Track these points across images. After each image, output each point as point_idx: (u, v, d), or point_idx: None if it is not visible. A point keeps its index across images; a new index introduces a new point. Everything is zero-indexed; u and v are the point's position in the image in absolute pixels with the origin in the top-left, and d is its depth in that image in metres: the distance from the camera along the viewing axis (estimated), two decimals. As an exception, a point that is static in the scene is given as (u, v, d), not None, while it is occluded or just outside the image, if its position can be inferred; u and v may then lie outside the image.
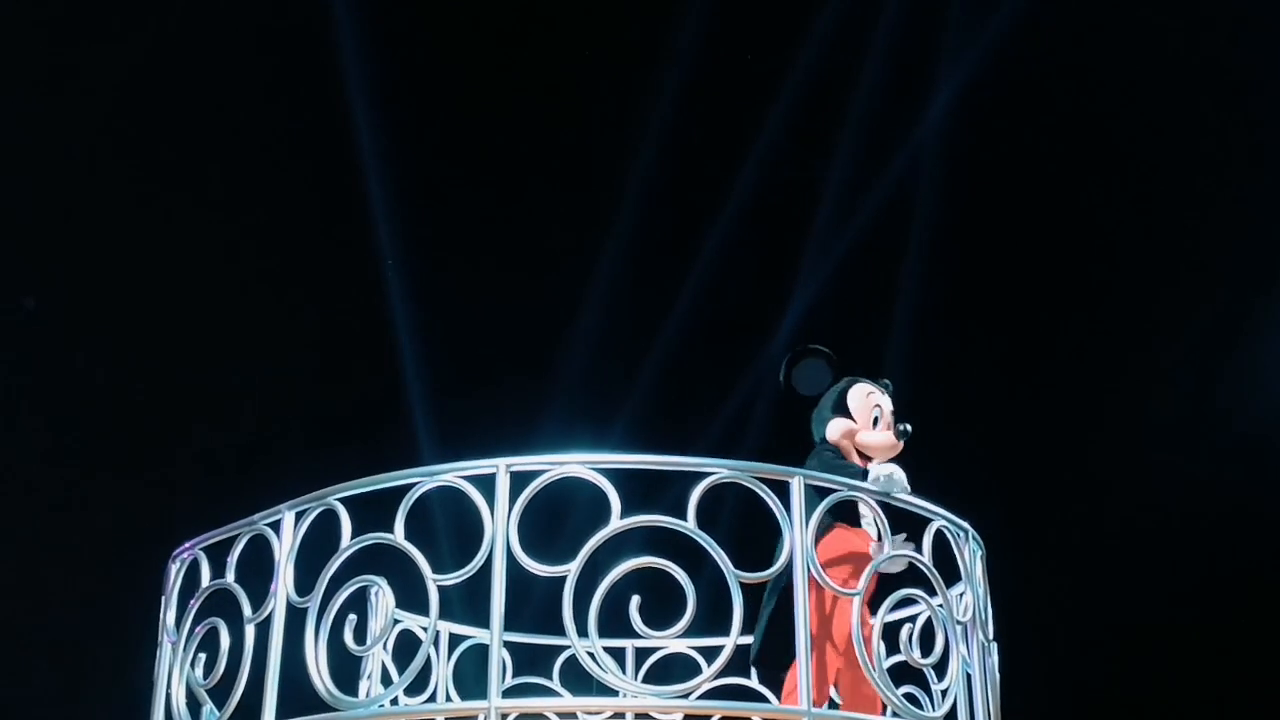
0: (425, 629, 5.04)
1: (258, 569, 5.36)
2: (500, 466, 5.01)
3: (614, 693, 5.09)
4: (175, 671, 5.50)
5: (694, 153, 11.13)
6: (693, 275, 11.20)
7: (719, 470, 5.08)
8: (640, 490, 5.19)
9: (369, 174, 10.61)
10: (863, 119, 11.09)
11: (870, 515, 5.57)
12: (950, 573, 5.59)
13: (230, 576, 5.43)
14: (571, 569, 4.84)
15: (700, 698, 5.30)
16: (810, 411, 6.31)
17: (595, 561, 4.89)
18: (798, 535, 5.02)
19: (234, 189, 10.47)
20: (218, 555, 5.54)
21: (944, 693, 5.64)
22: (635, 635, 5.14)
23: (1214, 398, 10.61)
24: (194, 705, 5.43)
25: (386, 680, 6.34)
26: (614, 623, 5.05)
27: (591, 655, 4.83)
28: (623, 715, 5.70)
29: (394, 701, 5.44)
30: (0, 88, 9.87)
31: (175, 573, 5.72)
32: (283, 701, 5.06)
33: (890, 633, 5.53)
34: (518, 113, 11.09)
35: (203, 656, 5.43)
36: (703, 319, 11.19)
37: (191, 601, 5.54)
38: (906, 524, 5.73)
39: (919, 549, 5.39)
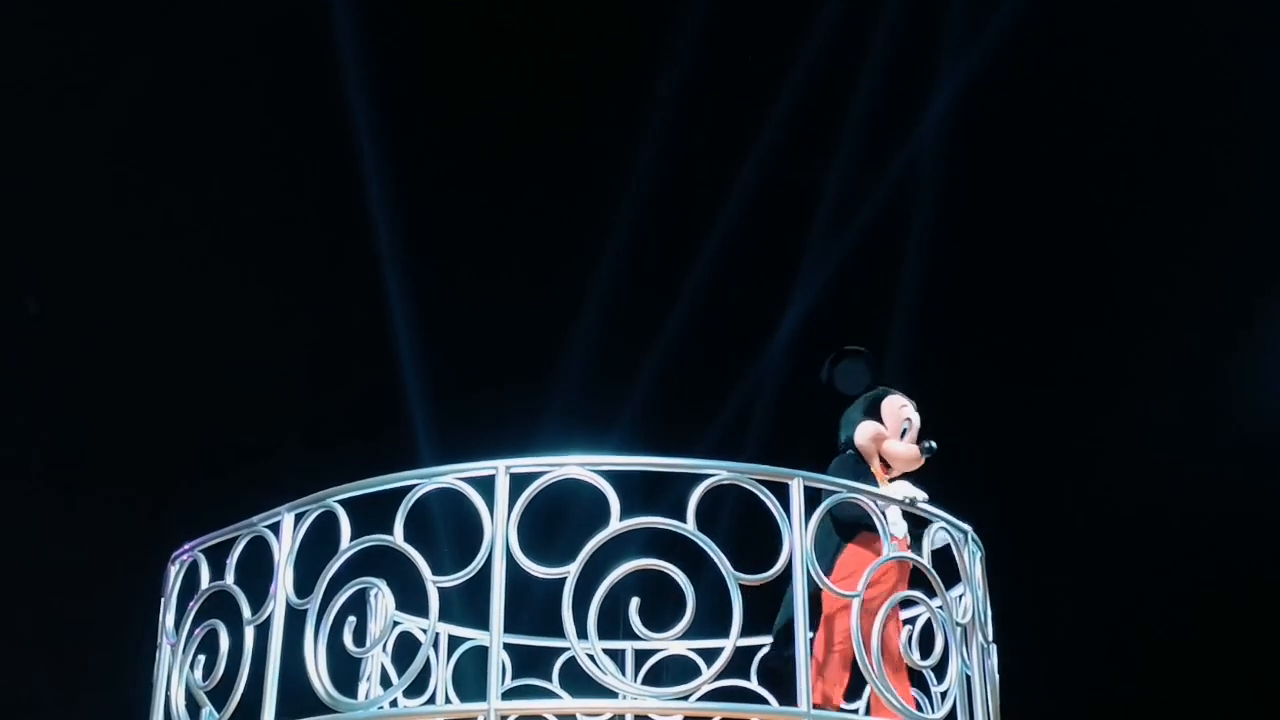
0: (425, 631, 5.04)
1: (257, 571, 5.36)
2: (500, 468, 5.01)
3: (613, 694, 5.09)
4: (174, 673, 5.49)
5: (692, 154, 11.13)
6: (692, 277, 11.20)
7: (719, 472, 5.08)
8: (640, 492, 5.19)
9: (369, 176, 10.61)
10: (862, 120, 11.08)
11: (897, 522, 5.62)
12: (950, 575, 5.59)
13: (230, 578, 5.42)
14: (571, 571, 4.84)
15: (700, 699, 5.30)
16: (838, 412, 6.33)
17: (595, 563, 4.89)
18: (797, 537, 5.01)
19: (234, 191, 10.47)
20: (217, 557, 5.54)
21: (943, 694, 5.63)
22: (635, 636, 5.14)
23: (1215, 398, 10.61)
24: (193, 707, 5.43)
25: (386, 682, 6.33)
26: (613, 624, 5.05)
27: (591, 657, 4.82)
28: (622, 717, 5.69)
29: (393, 703, 5.44)
30: (4, 89, 9.88)
31: (174, 574, 5.71)
32: (282, 703, 5.06)
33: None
34: (517, 115, 11.08)
35: (202, 658, 5.43)
36: (702, 320, 11.19)
37: (191, 603, 5.54)
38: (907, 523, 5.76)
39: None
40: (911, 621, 5.82)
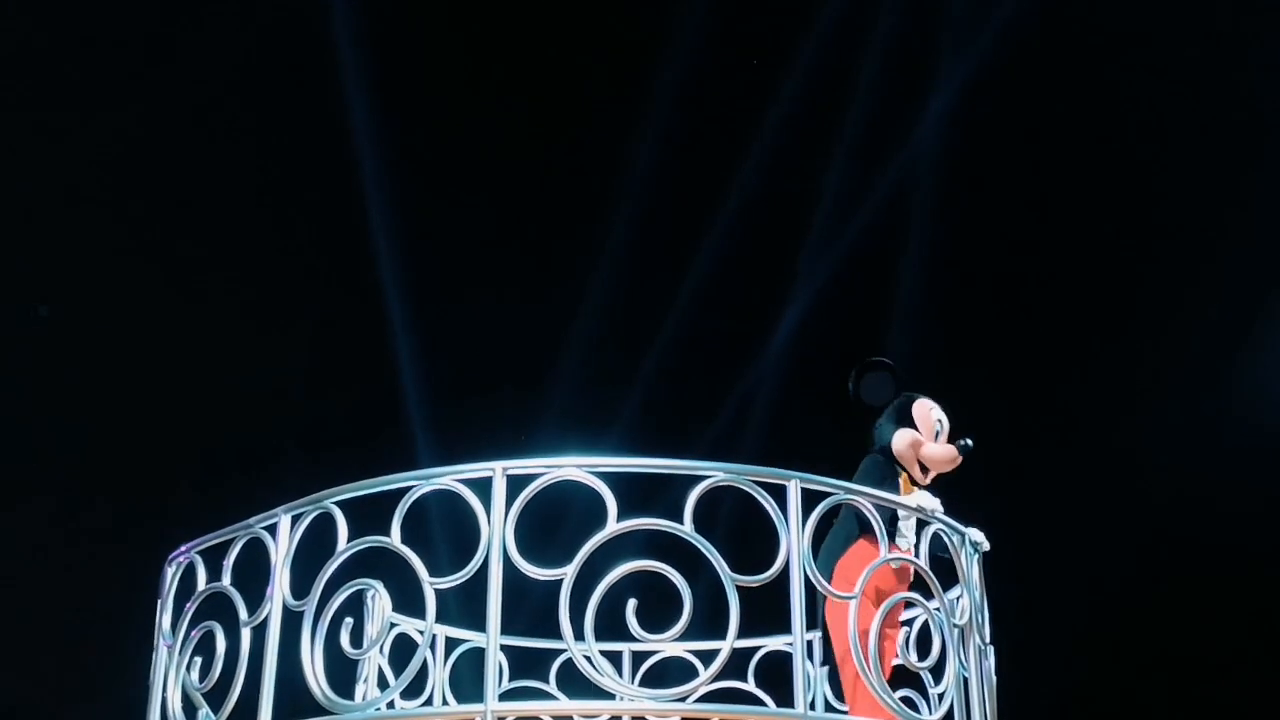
0: (422, 632, 5.04)
1: (254, 572, 5.35)
2: (497, 470, 5.01)
3: (610, 696, 5.08)
4: (171, 675, 5.49)
5: (689, 157, 11.13)
6: (689, 279, 11.20)
7: (716, 473, 5.08)
8: (637, 494, 5.19)
9: (367, 180, 10.61)
10: (860, 122, 11.09)
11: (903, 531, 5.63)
12: (947, 576, 5.60)
13: (226, 580, 5.42)
14: (568, 572, 4.84)
15: (697, 701, 5.30)
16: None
17: (592, 565, 4.89)
18: (794, 538, 5.01)
19: (233, 195, 10.46)
20: (214, 559, 5.53)
21: (940, 696, 5.63)
22: (632, 638, 5.14)
23: (1216, 400, 10.60)
24: (190, 709, 5.42)
25: (383, 684, 6.33)
26: (611, 626, 5.05)
27: (588, 659, 4.82)
28: (619, 718, 5.69)
29: (390, 705, 5.43)
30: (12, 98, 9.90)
31: (171, 576, 5.71)
32: (279, 705, 5.05)
33: (887, 635, 5.53)
34: (515, 120, 11.09)
35: (199, 660, 5.42)
36: (699, 322, 11.20)
37: (188, 605, 5.53)
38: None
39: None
40: (909, 623, 5.82)
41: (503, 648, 5.19)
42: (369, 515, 5.17)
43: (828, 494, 5.23)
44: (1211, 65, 10.48)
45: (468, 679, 6.58)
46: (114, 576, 8.85)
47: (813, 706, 5.98)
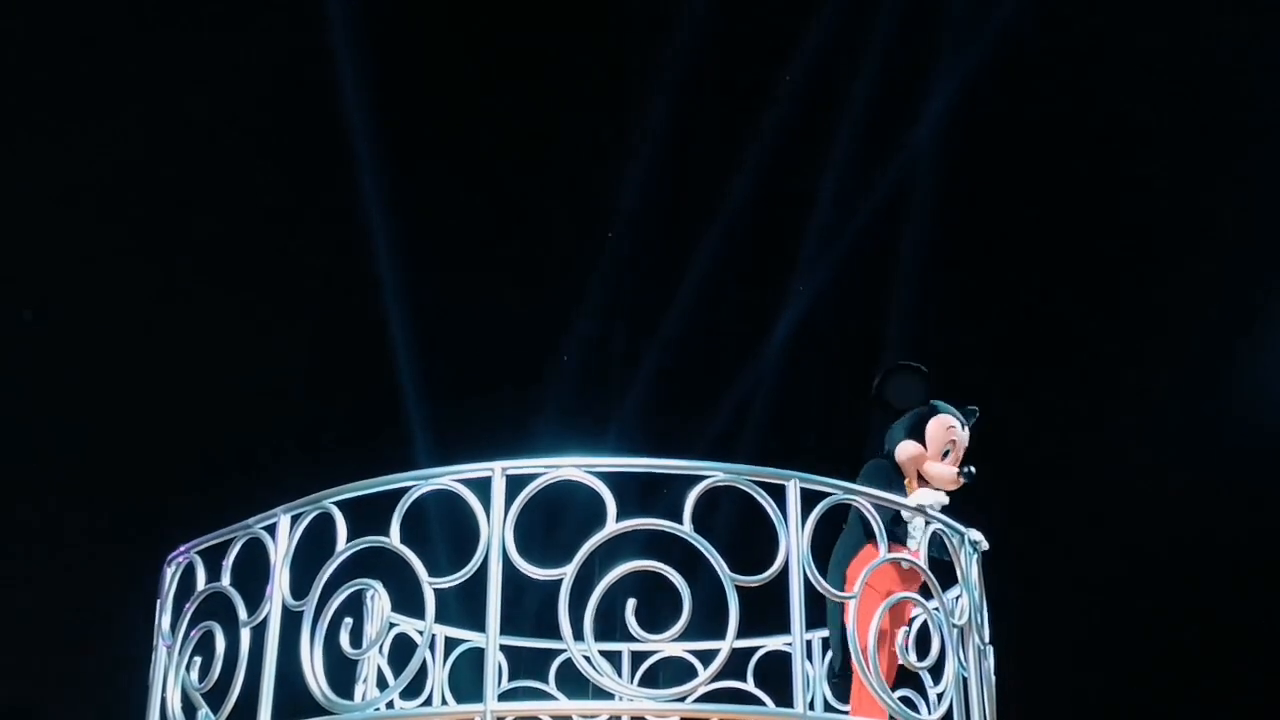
0: (421, 632, 5.04)
1: (253, 572, 5.35)
2: (496, 470, 5.00)
3: (610, 696, 5.08)
4: (170, 675, 5.49)
5: (689, 155, 11.13)
6: (689, 278, 11.20)
7: (715, 473, 5.07)
8: (636, 494, 5.19)
9: (366, 179, 10.61)
10: (861, 120, 11.08)
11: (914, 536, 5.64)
12: (947, 576, 5.60)
13: (226, 580, 5.41)
14: (567, 572, 4.84)
15: (697, 701, 5.30)
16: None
17: (591, 565, 4.89)
18: (794, 538, 5.01)
19: (232, 193, 10.46)
20: (213, 559, 5.53)
21: (940, 696, 5.63)
22: (631, 638, 5.14)
23: (1217, 400, 10.60)
24: (189, 709, 5.42)
25: (382, 684, 6.33)
26: (610, 626, 5.05)
27: (587, 659, 4.82)
28: (618, 718, 5.69)
29: (390, 705, 5.43)
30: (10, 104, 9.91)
31: (170, 576, 5.71)
32: (278, 705, 5.05)
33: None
34: (514, 120, 11.09)
35: (198, 660, 5.42)
36: (699, 322, 11.20)
37: (187, 605, 5.53)
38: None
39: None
40: (909, 623, 5.82)
41: (502, 648, 5.19)
42: (368, 515, 5.17)
43: (827, 494, 5.23)
44: (1212, 65, 10.48)
45: (467, 679, 6.58)
46: (114, 576, 8.85)
47: (812, 706, 5.98)
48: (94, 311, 10.11)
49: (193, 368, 10.14)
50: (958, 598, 5.62)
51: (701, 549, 4.90)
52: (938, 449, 6.17)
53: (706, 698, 5.44)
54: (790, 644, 5.06)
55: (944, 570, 5.65)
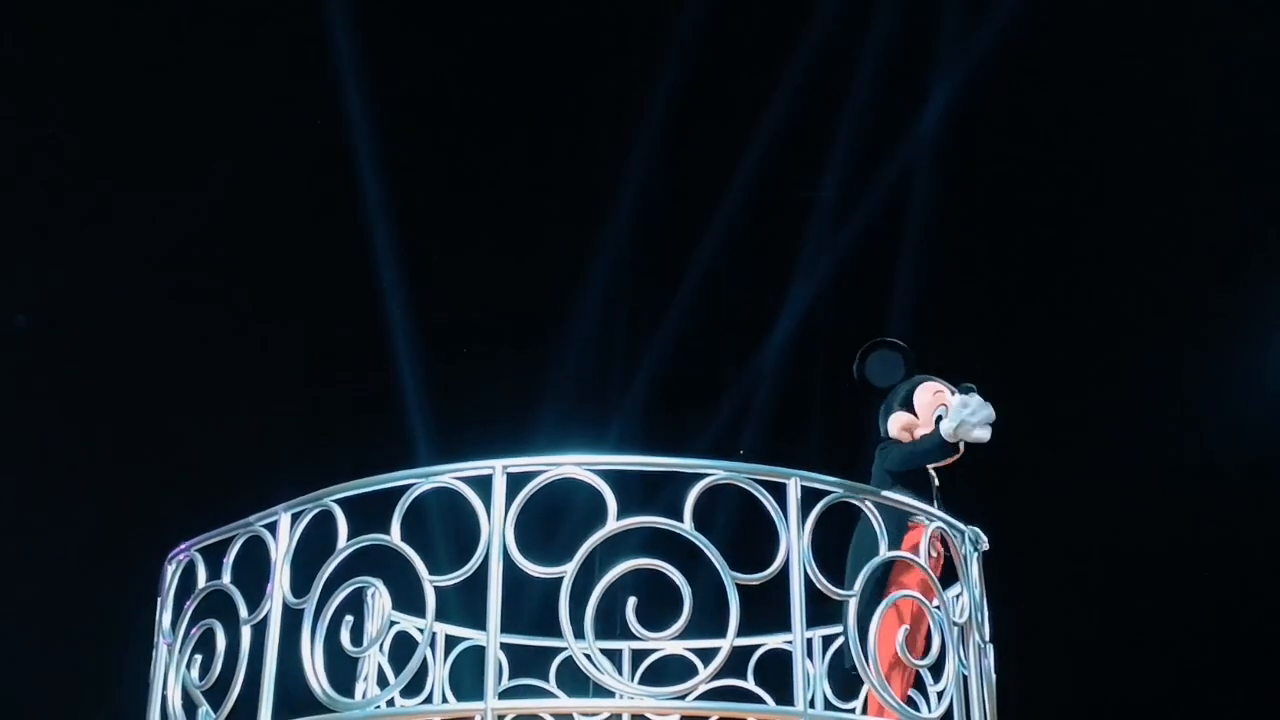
0: (422, 630, 5.04)
1: (254, 570, 5.36)
2: (497, 468, 5.00)
3: (610, 694, 5.08)
4: (171, 673, 5.49)
5: (691, 150, 11.12)
6: (689, 274, 11.20)
7: (716, 471, 5.07)
8: (637, 491, 5.19)
9: (364, 172, 10.59)
10: (860, 119, 11.08)
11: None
12: (947, 574, 5.60)
13: (226, 578, 5.42)
14: (568, 570, 4.84)
15: (697, 699, 5.30)
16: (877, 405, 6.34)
17: (592, 563, 4.89)
18: (794, 537, 5.01)
19: (229, 185, 10.44)
20: (214, 557, 5.54)
21: (940, 694, 5.64)
22: (632, 636, 5.14)
23: (1217, 399, 10.60)
24: (190, 707, 5.43)
25: (383, 682, 6.33)
26: (610, 624, 5.05)
27: (588, 657, 4.82)
28: (619, 717, 5.70)
29: (390, 703, 5.43)
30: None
31: (171, 574, 5.71)
32: (279, 703, 5.05)
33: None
34: (514, 114, 11.08)
35: (198, 658, 5.42)
36: (700, 319, 11.19)
37: (187, 603, 5.53)
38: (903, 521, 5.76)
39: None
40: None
41: (502, 646, 5.19)
42: (369, 513, 5.17)
43: (828, 492, 5.22)
44: (1212, 65, 10.48)
45: (468, 677, 6.59)
46: (114, 576, 8.85)
47: (812, 705, 5.97)
48: (94, 311, 10.10)
49: (193, 366, 10.13)
50: (958, 596, 5.63)
51: (702, 547, 4.89)
52: (929, 416, 6.11)
53: (707, 696, 5.44)
54: (791, 642, 5.05)
55: (945, 569, 5.66)
